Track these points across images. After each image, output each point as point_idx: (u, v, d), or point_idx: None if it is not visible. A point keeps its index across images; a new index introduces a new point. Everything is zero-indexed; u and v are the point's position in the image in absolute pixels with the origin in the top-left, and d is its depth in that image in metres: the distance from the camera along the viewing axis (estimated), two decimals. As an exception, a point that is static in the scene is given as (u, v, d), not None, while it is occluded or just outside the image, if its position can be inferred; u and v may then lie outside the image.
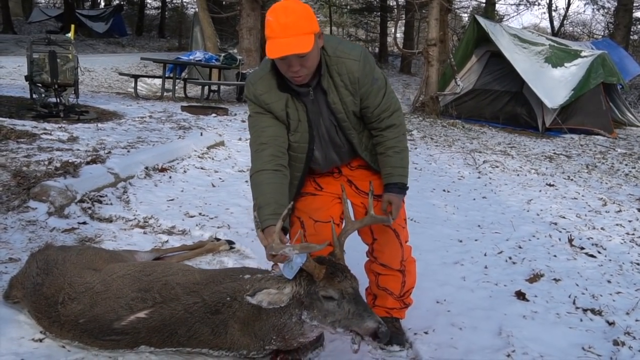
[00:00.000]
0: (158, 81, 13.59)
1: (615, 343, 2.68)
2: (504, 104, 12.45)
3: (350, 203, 2.58)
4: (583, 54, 12.28)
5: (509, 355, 2.52)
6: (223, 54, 13.23)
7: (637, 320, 2.98)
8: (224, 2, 21.81)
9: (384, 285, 2.57)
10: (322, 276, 2.05)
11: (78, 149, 5.41)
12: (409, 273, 2.57)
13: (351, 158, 2.51)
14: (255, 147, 2.29)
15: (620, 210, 5.43)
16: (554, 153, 9.30)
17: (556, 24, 28.17)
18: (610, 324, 2.92)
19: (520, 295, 3.20)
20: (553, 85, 11.55)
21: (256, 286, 2.07)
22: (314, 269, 2.04)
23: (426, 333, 2.70)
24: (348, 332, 2.07)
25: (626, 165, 8.51)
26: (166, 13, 33.36)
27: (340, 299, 2.04)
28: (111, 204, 4.18)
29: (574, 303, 3.16)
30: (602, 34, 27.40)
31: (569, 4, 28.08)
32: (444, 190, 6.01)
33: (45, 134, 5.93)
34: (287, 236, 2.52)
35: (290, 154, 2.38)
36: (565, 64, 12.07)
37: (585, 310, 3.06)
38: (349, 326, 2.05)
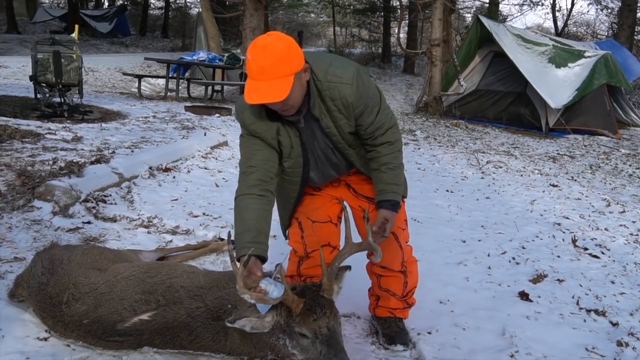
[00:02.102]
0: (162, 81, 13.62)
1: (619, 344, 2.68)
2: (507, 105, 12.43)
3: (349, 205, 2.55)
4: (587, 54, 12.25)
5: (512, 356, 2.52)
6: (226, 54, 13.25)
7: (640, 321, 2.98)
8: (227, 3, 21.82)
9: (386, 287, 2.57)
10: (298, 311, 1.99)
11: (82, 149, 5.42)
12: (411, 273, 2.57)
13: (349, 171, 2.47)
14: (244, 169, 2.23)
15: (624, 211, 5.42)
16: (558, 153, 9.29)
17: (560, 24, 28.12)
18: (614, 324, 2.91)
19: (524, 296, 3.20)
20: (557, 86, 11.52)
21: (237, 313, 2.05)
22: (291, 303, 1.99)
23: (429, 333, 2.71)
24: None
25: (630, 165, 8.49)
26: (170, 13, 33.41)
27: (313, 338, 1.98)
28: (115, 203, 4.19)
29: (577, 304, 3.15)
30: (606, 34, 27.30)
31: (572, 4, 28.13)
32: (447, 191, 6.01)
33: (49, 133, 5.96)
34: (287, 237, 2.51)
35: (285, 178, 2.36)
36: (569, 64, 12.04)
37: (588, 311, 3.05)
38: None
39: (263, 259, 2.10)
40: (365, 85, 2.16)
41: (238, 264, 1.98)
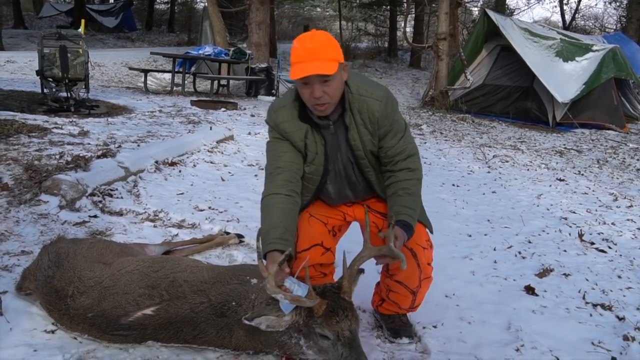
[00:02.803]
0: (168, 76, 13.61)
1: (625, 338, 2.67)
2: (514, 99, 12.37)
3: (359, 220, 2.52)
4: (594, 47, 12.17)
5: (517, 350, 2.52)
6: (232, 49, 13.25)
7: (647, 316, 2.97)
8: (233, -3, 21.78)
9: (394, 299, 2.53)
10: (321, 312, 1.98)
11: (89, 143, 5.44)
12: (421, 293, 2.50)
13: (366, 195, 2.45)
14: (271, 171, 2.28)
15: (631, 206, 5.39)
16: (565, 148, 9.24)
17: (567, 17, 27.95)
18: (621, 319, 2.90)
19: (530, 290, 3.20)
20: (564, 80, 11.46)
21: (255, 311, 2.04)
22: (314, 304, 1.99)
23: (435, 327, 2.70)
24: None
25: (638, 160, 8.44)
26: (175, 8, 33.39)
27: (335, 340, 1.98)
28: (121, 197, 4.21)
29: (583, 298, 3.14)
30: (614, 27, 27.11)
31: (580, -2, 27.76)
32: (453, 185, 6.00)
33: (56, 128, 5.98)
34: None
35: (302, 183, 2.36)
36: (577, 58, 11.97)
37: (595, 305, 3.05)
38: None
39: (290, 257, 2.10)
40: (393, 108, 2.26)
41: (264, 262, 1.98)
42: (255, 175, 5.49)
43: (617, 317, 2.92)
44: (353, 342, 1.99)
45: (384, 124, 2.23)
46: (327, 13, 36.59)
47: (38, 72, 7.42)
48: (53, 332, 2.30)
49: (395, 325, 2.58)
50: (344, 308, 2.01)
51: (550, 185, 6.16)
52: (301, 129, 2.25)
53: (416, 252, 2.35)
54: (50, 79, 7.45)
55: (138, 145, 5.61)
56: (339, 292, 2.06)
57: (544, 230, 4.43)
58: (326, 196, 2.45)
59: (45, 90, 7.63)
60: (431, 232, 2.47)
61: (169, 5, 33.50)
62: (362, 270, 2.20)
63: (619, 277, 3.53)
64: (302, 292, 1.96)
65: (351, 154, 2.30)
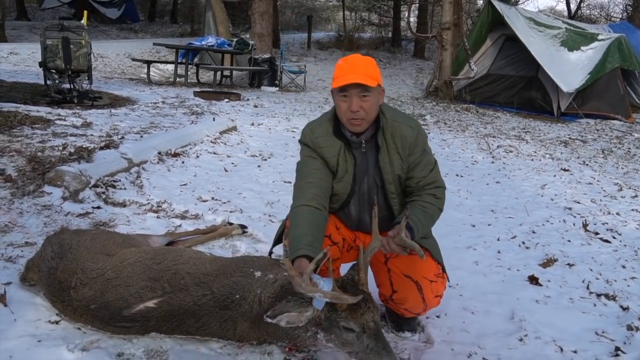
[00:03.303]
0: (171, 67, 13.60)
1: (629, 328, 2.66)
2: (518, 89, 12.31)
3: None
4: (600, 37, 12.07)
5: (521, 340, 2.52)
6: (235, 39, 13.21)
7: (651, 306, 2.96)
8: (236, -13, 21.67)
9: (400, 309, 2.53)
10: (344, 306, 2.00)
11: (92, 135, 5.45)
12: (425, 312, 2.48)
13: (385, 229, 2.33)
14: (300, 185, 2.29)
15: (636, 196, 5.37)
16: (569, 138, 9.20)
17: (573, 6, 27.71)
18: (625, 309, 2.89)
19: (534, 280, 3.19)
20: (569, 69, 11.38)
21: (277, 308, 2.02)
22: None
23: (438, 317, 2.71)
24: None
25: (643, 150, 8.39)
26: (178, -2, 33.26)
27: (360, 332, 1.99)
28: (125, 188, 4.21)
29: (587, 288, 3.14)
30: (620, 16, 26.90)
31: (586, -14, 27.53)
32: (457, 175, 5.98)
33: (59, 119, 5.99)
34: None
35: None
36: (582, 48, 11.88)
37: (599, 295, 3.04)
38: None
39: (318, 262, 2.08)
40: (424, 139, 2.35)
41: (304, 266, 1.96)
42: (259, 166, 5.48)
43: (621, 307, 2.92)
44: (378, 332, 2.01)
45: (414, 151, 2.29)
46: (331, 3, 36.39)
47: (41, 64, 7.42)
48: (57, 322, 2.31)
49: (399, 319, 2.57)
50: (365, 300, 2.02)
51: (555, 176, 6.14)
52: (335, 145, 2.30)
53: (422, 285, 2.33)
54: (53, 71, 7.46)
55: (141, 137, 5.61)
56: (356, 284, 2.07)
57: (548, 221, 4.41)
58: (347, 217, 2.45)
59: (48, 82, 7.63)
60: (446, 274, 2.43)
61: (172, -4, 33.37)
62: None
63: (623, 267, 3.52)
64: (328, 287, 1.96)
65: (378, 177, 2.32)
